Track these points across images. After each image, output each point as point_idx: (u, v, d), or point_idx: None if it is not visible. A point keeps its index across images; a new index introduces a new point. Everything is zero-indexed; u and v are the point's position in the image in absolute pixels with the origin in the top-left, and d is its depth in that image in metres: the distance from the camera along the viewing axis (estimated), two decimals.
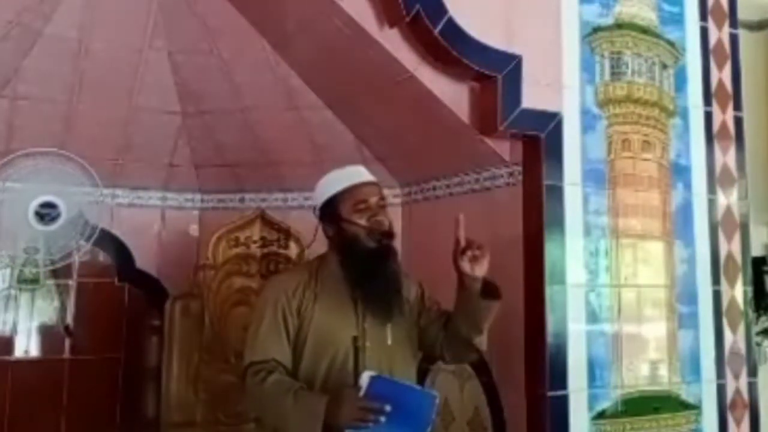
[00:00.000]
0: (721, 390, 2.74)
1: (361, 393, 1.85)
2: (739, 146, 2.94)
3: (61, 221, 3.11)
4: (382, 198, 2.12)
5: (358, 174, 2.14)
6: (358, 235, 2.04)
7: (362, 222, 2.05)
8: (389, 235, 2.07)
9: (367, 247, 2.04)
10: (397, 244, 3.12)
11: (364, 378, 1.88)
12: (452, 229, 2.87)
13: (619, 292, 2.58)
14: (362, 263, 2.03)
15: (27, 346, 3.20)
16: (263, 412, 2.03)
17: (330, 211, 2.09)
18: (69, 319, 3.23)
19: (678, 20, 2.84)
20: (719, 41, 2.95)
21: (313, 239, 2.27)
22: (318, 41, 2.69)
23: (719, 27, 2.96)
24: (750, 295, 2.91)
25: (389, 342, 2.04)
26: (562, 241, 2.48)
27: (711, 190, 2.83)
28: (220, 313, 3.17)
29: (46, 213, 3.09)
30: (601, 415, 2.48)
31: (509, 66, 2.46)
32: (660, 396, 2.61)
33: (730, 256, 2.85)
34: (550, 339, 2.41)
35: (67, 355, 3.22)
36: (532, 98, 2.48)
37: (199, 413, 3.09)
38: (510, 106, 2.45)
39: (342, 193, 2.08)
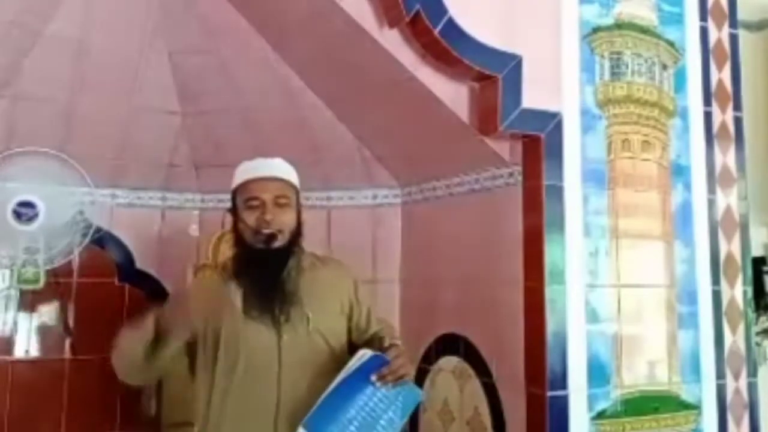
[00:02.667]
0: (720, 390, 2.74)
1: (354, 368, 1.81)
2: (739, 146, 2.94)
3: (39, 221, 3.09)
4: (283, 196, 1.98)
5: (258, 167, 2.02)
6: (244, 232, 1.96)
7: (250, 221, 1.95)
8: (272, 237, 1.93)
9: (253, 247, 1.94)
10: (397, 244, 3.18)
11: (364, 353, 1.83)
12: (452, 229, 2.89)
13: (619, 292, 2.59)
14: (246, 263, 1.95)
15: (27, 346, 3.20)
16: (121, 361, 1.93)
17: (233, 206, 2.03)
18: (69, 320, 3.23)
19: (678, 20, 2.84)
20: (719, 41, 2.95)
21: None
22: (318, 41, 2.69)
23: (719, 27, 2.96)
24: (750, 295, 2.91)
25: (310, 330, 1.93)
26: (562, 241, 2.48)
27: (711, 190, 2.83)
28: None
29: (24, 212, 3.08)
30: (601, 415, 2.48)
31: (509, 66, 2.46)
32: (660, 396, 2.61)
33: (729, 256, 2.85)
34: (550, 339, 2.41)
35: (67, 355, 3.21)
36: (532, 98, 2.48)
37: None
38: (510, 106, 2.45)
39: (239, 187, 2.00)
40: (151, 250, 3.37)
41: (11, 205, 3.07)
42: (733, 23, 3.00)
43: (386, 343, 1.93)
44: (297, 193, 2.05)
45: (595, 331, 2.51)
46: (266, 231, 1.93)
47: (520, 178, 2.57)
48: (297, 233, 2.00)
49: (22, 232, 3.08)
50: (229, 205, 2.06)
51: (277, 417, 1.88)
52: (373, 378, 1.80)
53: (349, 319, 2.06)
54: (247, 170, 2.03)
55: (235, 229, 2.00)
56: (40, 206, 3.09)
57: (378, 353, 1.85)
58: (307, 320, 1.94)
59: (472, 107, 2.56)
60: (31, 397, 3.10)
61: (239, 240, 1.99)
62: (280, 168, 2.04)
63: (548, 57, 2.55)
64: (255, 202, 1.96)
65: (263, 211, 1.94)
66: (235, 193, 2.02)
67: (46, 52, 2.89)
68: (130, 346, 1.88)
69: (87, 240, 3.21)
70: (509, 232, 2.57)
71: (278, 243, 1.94)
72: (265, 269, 1.94)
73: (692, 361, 2.69)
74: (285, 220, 1.96)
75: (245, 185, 1.99)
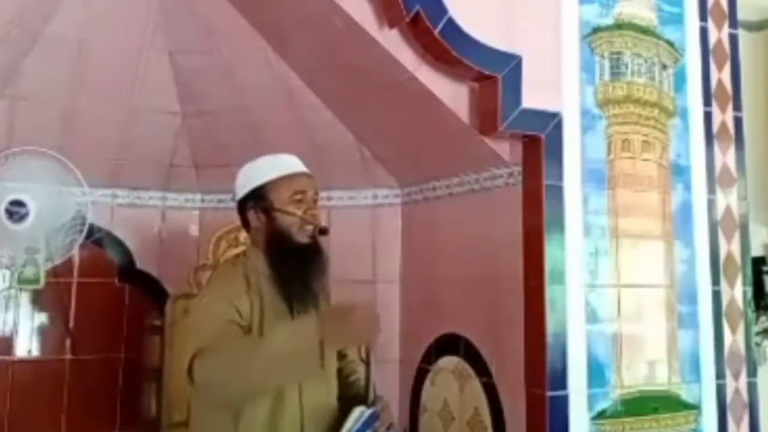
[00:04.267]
0: (720, 390, 2.74)
1: (356, 427, 1.87)
2: (739, 146, 2.94)
3: (30, 220, 3.09)
4: (317, 193, 1.99)
5: (295, 163, 2.01)
6: (290, 227, 1.91)
7: (299, 212, 1.91)
8: (324, 230, 1.94)
9: (299, 242, 1.91)
10: (397, 244, 3.18)
11: (363, 411, 1.91)
12: (452, 229, 2.89)
13: (619, 292, 2.59)
14: (293, 259, 1.90)
15: (27, 346, 3.19)
16: (232, 377, 1.66)
17: (259, 200, 1.94)
18: (69, 320, 3.23)
19: (678, 20, 2.84)
20: (719, 41, 2.95)
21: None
22: (318, 41, 2.70)
23: (719, 27, 2.96)
24: (750, 295, 2.91)
25: None
26: (562, 241, 2.48)
27: (711, 190, 2.83)
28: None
29: (15, 211, 3.08)
30: (600, 415, 2.49)
31: (509, 66, 2.46)
32: (660, 396, 2.61)
33: (729, 256, 2.85)
34: (549, 339, 2.41)
35: (67, 355, 3.21)
36: (532, 98, 2.48)
37: None
38: (510, 106, 2.45)
39: (276, 181, 1.94)
40: (152, 251, 3.37)
41: (3, 204, 3.07)
42: (733, 23, 3.00)
43: (370, 394, 1.97)
44: None
45: (595, 331, 2.51)
46: (320, 224, 1.93)
47: (520, 178, 2.57)
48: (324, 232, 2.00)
49: (15, 231, 3.08)
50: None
51: (303, 421, 1.88)
52: None
53: None
54: (280, 165, 1.99)
55: (271, 224, 1.93)
56: (31, 205, 3.09)
57: (372, 410, 1.92)
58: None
59: (472, 107, 2.56)
60: (31, 397, 3.10)
61: (279, 235, 1.92)
62: (304, 165, 2.03)
63: (548, 57, 2.55)
64: (300, 196, 1.93)
65: (309, 206, 1.94)
66: (262, 190, 1.95)
67: (45, 52, 2.89)
68: (280, 375, 1.69)
69: (82, 238, 3.20)
70: (509, 232, 2.57)
71: (324, 236, 1.95)
72: (311, 263, 1.92)
73: (692, 361, 2.70)
74: (321, 218, 1.98)
75: (288, 179, 1.95)
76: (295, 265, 1.90)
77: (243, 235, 3.23)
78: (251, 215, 1.97)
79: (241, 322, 1.82)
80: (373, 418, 1.94)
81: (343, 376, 2.11)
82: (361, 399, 1.98)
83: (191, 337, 1.80)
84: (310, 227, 1.92)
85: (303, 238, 1.92)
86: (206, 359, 1.67)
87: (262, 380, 1.70)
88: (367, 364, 2.03)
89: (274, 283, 1.92)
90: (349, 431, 1.90)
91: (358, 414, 1.91)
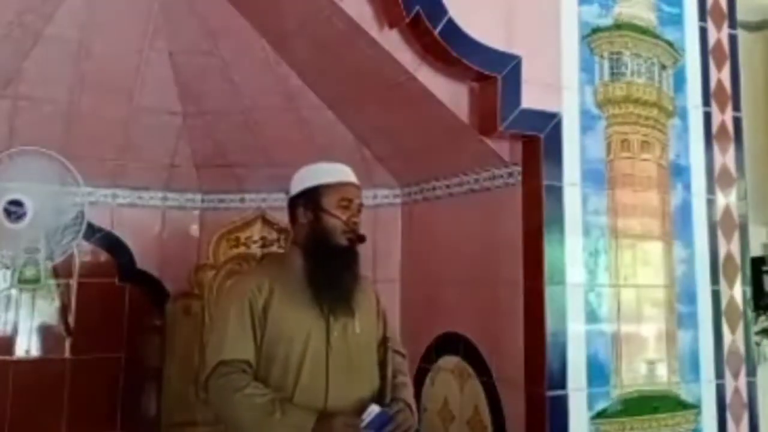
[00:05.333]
0: (720, 390, 2.75)
1: (364, 423, 1.92)
2: (738, 146, 2.94)
3: (27, 219, 3.10)
4: (362, 204, 2.16)
5: (348, 173, 2.17)
6: (334, 228, 2.06)
7: (344, 217, 2.07)
8: (362, 238, 2.10)
9: (338, 242, 2.06)
10: (397, 244, 3.18)
11: (372, 410, 1.95)
12: (452, 229, 2.90)
13: (619, 292, 2.59)
14: (330, 257, 2.05)
15: (28, 346, 3.20)
16: (233, 418, 1.96)
17: (311, 199, 2.10)
18: (70, 319, 3.23)
19: (677, 21, 2.85)
20: (718, 42, 2.96)
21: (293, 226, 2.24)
22: (318, 42, 2.70)
23: (718, 28, 2.96)
24: (749, 295, 2.92)
25: (357, 330, 2.06)
26: (562, 241, 2.49)
27: (710, 190, 2.84)
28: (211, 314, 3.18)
29: (13, 211, 3.09)
30: (600, 415, 2.49)
31: (509, 66, 2.46)
32: (659, 396, 2.61)
33: (729, 256, 2.86)
34: (549, 339, 2.42)
35: (67, 355, 3.21)
36: (531, 98, 2.49)
37: (200, 413, 3.10)
38: (509, 106, 2.46)
39: (329, 186, 2.11)
40: (152, 250, 3.37)
41: (2, 204, 3.07)
42: (733, 24, 3.01)
43: (391, 392, 2.07)
44: None
45: (594, 330, 2.51)
46: (359, 231, 2.09)
47: (519, 178, 2.57)
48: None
49: (14, 231, 3.08)
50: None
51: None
52: None
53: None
54: (335, 172, 2.15)
55: (317, 223, 2.08)
56: (29, 205, 3.09)
57: (384, 410, 1.96)
58: (356, 321, 2.06)
59: (471, 107, 2.56)
60: (32, 396, 3.10)
61: (321, 235, 2.07)
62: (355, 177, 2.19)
63: (548, 57, 2.56)
64: (346, 203, 2.10)
65: (354, 213, 2.10)
66: (317, 191, 2.10)
67: (46, 53, 2.89)
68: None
69: (81, 237, 3.20)
70: (509, 232, 2.57)
71: (361, 244, 2.10)
72: (344, 265, 2.06)
73: (691, 360, 2.70)
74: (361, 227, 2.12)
75: (341, 186, 2.11)
76: (329, 264, 2.05)
77: (244, 235, 3.25)
78: (300, 212, 2.12)
79: (256, 307, 2.00)
80: (383, 418, 1.95)
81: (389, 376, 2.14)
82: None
83: (217, 324, 2.09)
84: (350, 233, 2.08)
85: (342, 241, 2.07)
86: (222, 389, 1.95)
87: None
88: (384, 364, 2.10)
89: (306, 276, 2.05)
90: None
91: (368, 412, 1.94)
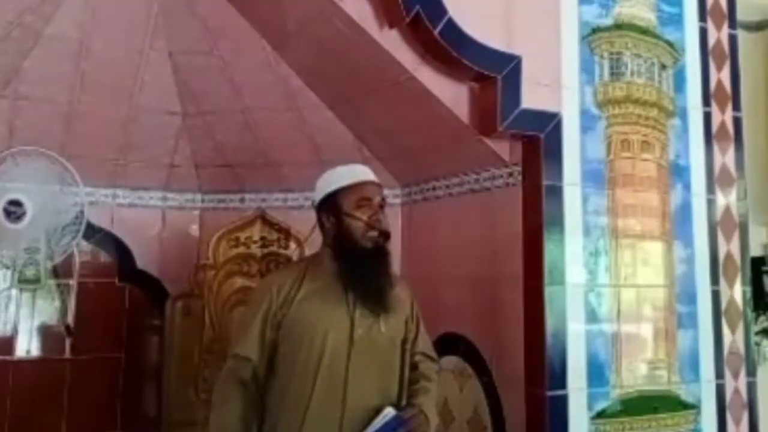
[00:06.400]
0: (720, 390, 2.75)
1: (377, 426, 1.93)
2: (738, 147, 2.94)
3: (27, 219, 3.10)
4: (384, 200, 2.15)
5: (365, 173, 2.17)
6: (356, 229, 2.07)
7: (364, 218, 2.07)
8: (386, 235, 2.10)
9: (363, 245, 2.07)
10: (397, 244, 3.18)
11: (388, 412, 1.96)
12: (452, 229, 2.89)
13: (619, 292, 2.59)
14: (357, 259, 2.06)
15: (28, 346, 3.20)
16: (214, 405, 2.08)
17: (332, 204, 2.12)
18: (70, 319, 3.24)
19: (677, 21, 2.85)
20: (718, 42, 2.96)
21: (310, 234, 2.29)
22: (318, 42, 2.70)
23: (718, 28, 2.96)
24: (749, 295, 2.91)
25: (383, 329, 2.06)
26: (562, 241, 2.49)
27: (710, 190, 2.84)
28: (221, 313, 3.18)
29: (13, 211, 3.09)
30: (600, 415, 2.49)
31: (509, 66, 2.46)
32: (659, 396, 2.61)
33: (729, 256, 2.86)
34: (549, 339, 2.42)
35: (67, 355, 3.22)
36: (531, 99, 2.48)
37: (200, 413, 3.10)
38: (509, 106, 2.46)
39: (347, 188, 2.11)
40: (152, 250, 3.37)
41: (1, 204, 3.07)
42: (733, 24, 3.00)
43: (416, 397, 2.08)
44: None
45: (594, 330, 2.51)
46: (383, 228, 2.08)
47: (519, 178, 2.57)
48: (388, 237, 2.14)
49: (14, 231, 3.08)
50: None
51: (342, 420, 1.98)
52: None
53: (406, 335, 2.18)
54: (352, 173, 2.15)
55: (339, 227, 2.09)
56: (28, 205, 3.09)
57: (398, 414, 1.97)
58: (382, 320, 2.06)
59: (471, 107, 2.56)
60: (32, 396, 3.11)
61: (346, 238, 2.08)
62: (374, 175, 2.18)
63: (548, 57, 2.56)
64: (366, 203, 2.09)
65: (375, 212, 2.09)
66: (336, 195, 2.11)
67: (46, 53, 2.89)
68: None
69: (80, 237, 3.20)
70: (509, 232, 2.57)
71: (386, 242, 2.10)
72: (372, 264, 2.06)
73: (691, 360, 2.70)
74: (387, 224, 2.12)
75: (357, 186, 2.11)
76: (356, 265, 2.06)
77: (243, 236, 3.25)
78: (324, 218, 2.14)
79: (274, 309, 2.05)
80: (397, 422, 1.95)
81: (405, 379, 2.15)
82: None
83: (246, 314, 2.15)
84: (374, 232, 2.07)
85: (367, 243, 2.07)
86: (225, 378, 2.06)
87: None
88: (402, 365, 2.09)
89: (337, 277, 2.07)
90: (371, 429, 1.93)
91: (383, 415, 1.95)
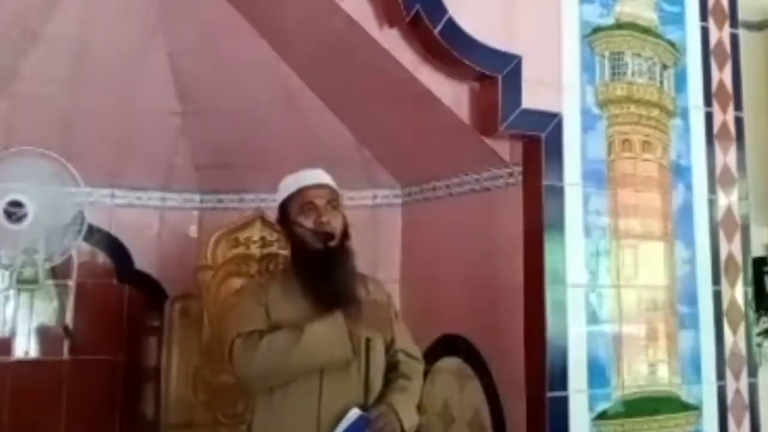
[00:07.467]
0: (721, 391, 2.74)
1: (342, 428, 1.92)
2: (740, 146, 2.93)
3: (28, 220, 3.09)
4: (333, 200, 2.14)
5: (308, 177, 2.17)
6: (304, 236, 2.09)
7: (308, 224, 2.08)
8: (331, 236, 2.07)
9: (313, 248, 2.07)
10: (397, 244, 3.17)
11: (353, 413, 1.94)
12: (452, 229, 2.89)
13: (620, 292, 2.58)
14: (309, 264, 2.07)
15: (26, 347, 3.20)
16: (268, 362, 1.96)
17: (282, 216, 2.16)
18: (68, 320, 3.23)
19: (678, 20, 2.84)
20: (720, 41, 2.95)
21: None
22: (318, 41, 2.69)
23: (720, 27, 2.96)
24: (750, 295, 2.91)
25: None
26: (562, 242, 2.48)
27: (711, 190, 2.83)
28: (220, 314, 3.16)
29: (14, 212, 3.08)
30: (601, 416, 2.48)
31: (509, 66, 2.46)
32: (660, 397, 2.61)
33: (730, 256, 2.85)
34: (550, 340, 2.41)
35: (66, 356, 3.21)
36: (532, 98, 2.48)
37: (199, 414, 3.09)
38: (510, 106, 2.45)
39: (291, 197, 2.13)
40: (151, 251, 3.36)
41: (2, 205, 3.06)
42: (734, 23, 3.00)
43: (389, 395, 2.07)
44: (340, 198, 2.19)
45: (595, 331, 2.50)
46: (326, 230, 2.06)
47: (520, 178, 2.56)
48: (345, 235, 2.13)
49: (15, 231, 3.07)
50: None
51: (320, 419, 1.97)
52: None
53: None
54: (297, 180, 2.16)
55: (291, 236, 2.14)
56: (29, 206, 3.08)
57: (363, 414, 1.95)
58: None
59: (472, 107, 2.56)
60: (30, 398, 3.10)
61: (297, 245, 2.12)
62: (325, 176, 2.19)
63: (548, 57, 2.55)
64: (310, 206, 2.10)
65: (319, 214, 2.08)
66: (285, 205, 2.15)
67: (45, 52, 2.88)
68: (309, 348, 1.94)
69: (81, 238, 3.20)
70: (509, 232, 2.56)
71: (334, 242, 2.08)
72: (325, 267, 2.05)
73: (693, 361, 2.69)
74: (337, 223, 2.11)
75: (300, 193, 2.12)
76: (313, 270, 2.06)
77: (243, 236, 3.24)
78: (282, 230, 2.20)
79: (264, 299, 2.07)
80: (362, 422, 1.94)
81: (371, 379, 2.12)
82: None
83: (231, 315, 2.15)
84: (321, 235, 2.07)
85: (316, 244, 2.07)
86: (248, 347, 1.96)
87: (299, 368, 1.97)
88: (367, 365, 2.04)
89: (300, 285, 2.08)
90: (338, 429, 1.93)
91: (347, 417, 1.94)
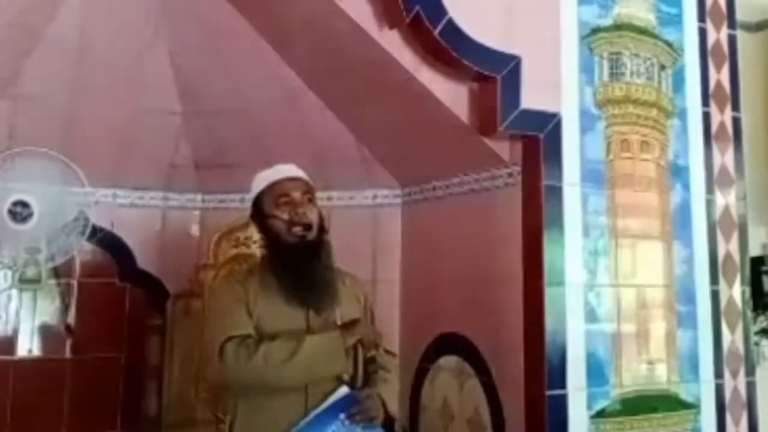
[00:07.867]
0: (719, 389, 2.75)
1: (330, 402, 1.94)
2: (738, 147, 2.95)
3: (34, 220, 3.10)
4: (308, 192, 2.12)
5: (282, 171, 2.15)
6: (279, 228, 2.06)
7: (284, 216, 2.06)
8: (309, 227, 2.06)
9: (288, 242, 2.05)
10: (397, 244, 3.18)
11: (342, 390, 1.98)
12: (452, 229, 2.90)
13: (618, 291, 2.59)
14: (285, 257, 2.04)
15: (28, 345, 3.20)
16: (264, 373, 1.93)
17: (256, 210, 2.13)
18: (70, 319, 3.24)
19: (676, 21, 2.85)
20: (717, 42, 2.96)
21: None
22: (318, 42, 2.70)
23: (717, 28, 2.97)
24: (748, 294, 2.92)
25: (339, 323, 2.05)
26: (562, 241, 2.49)
27: (709, 190, 2.84)
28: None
29: (18, 212, 3.09)
30: (599, 414, 2.49)
31: (509, 66, 2.47)
32: (658, 395, 2.62)
33: (728, 256, 2.86)
34: (549, 338, 2.42)
35: (68, 354, 3.22)
36: (531, 99, 2.49)
37: (200, 412, 3.11)
38: (509, 106, 2.46)
39: (265, 191, 2.11)
40: (153, 250, 3.37)
41: (6, 205, 3.07)
42: (732, 24, 3.01)
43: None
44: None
45: (594, 330, 2.52)
46: (304, 221, 2.05)
47: (519, 178, 2.58)
48: (322, 228, 2.11)
49: (19, 231, 3.08)
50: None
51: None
52: (342, 416, 1.94)
53: None
54: (271, 174, 2.15)
55: (265, 230, 2.11)
56: (34, 206, 3.09)
57: (352, 392, 1.98)
58: (337, 313, 2.06)
59: (471, 107, 2.57)
60: (32, 396, 3.10)
61: (272, 239, 2.09)
62: (299, 171, 2.17)
63: (547, 57, 2.56)
64: (284, 199, 2.08)
65: (295, 206, 2.06)
66: (259, 199, 2.12)
67: (46, 53, 2.89)
68: (305, 365, 1.94)
69: (85, 238, 3.21)
70: (509, 231, 2.57)
71: (312, 235, 2.06)
72: (302, 260, 2.04)
73: (691, 360, 2.70)
74: (314, 215, 2.09)
75: (274, 186, 2.10)
76: (289, 263, 2.04)
77: (244, 235, 3.26)
78: (256, 225, 2.15)
79: (249, 301, 2.02)
80: (349, 400, 1.97)
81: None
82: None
83: (214, 311, 2.13)
84: (297, 227, 2.05)
85: (291, 238, 2.05)
86: (242, 357, 1.92)
87: (294, 381, 1.96)
88: (355, 350, 2.07)
89: (276, 280, 2.04)
90: (325, 405, 1.95)
91: (338, 392, 1.97)
